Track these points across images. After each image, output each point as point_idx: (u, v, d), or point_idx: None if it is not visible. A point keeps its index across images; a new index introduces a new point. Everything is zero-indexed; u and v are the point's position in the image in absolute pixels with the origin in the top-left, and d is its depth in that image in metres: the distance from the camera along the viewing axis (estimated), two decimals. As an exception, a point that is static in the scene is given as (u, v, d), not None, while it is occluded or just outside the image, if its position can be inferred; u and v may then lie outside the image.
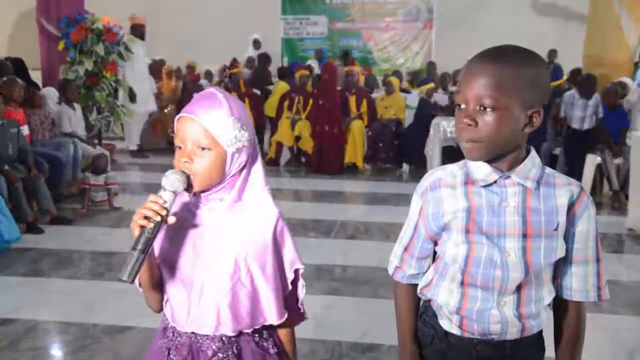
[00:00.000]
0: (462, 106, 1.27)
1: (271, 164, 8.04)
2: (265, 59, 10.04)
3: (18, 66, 6.63)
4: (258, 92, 8.95)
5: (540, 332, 1.41)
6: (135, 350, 2.95)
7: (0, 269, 4.17)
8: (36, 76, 7.16)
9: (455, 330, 1.40)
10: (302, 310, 1.48)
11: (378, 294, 3.68)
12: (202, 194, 1.34)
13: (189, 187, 1.29)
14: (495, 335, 1.36)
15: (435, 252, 1.44)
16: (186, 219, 1.35)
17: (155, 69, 9.42)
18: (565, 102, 6.52)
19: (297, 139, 7.90)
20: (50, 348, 3.15)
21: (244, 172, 1.36)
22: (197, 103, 1.31)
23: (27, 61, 7.12)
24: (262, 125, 8.69)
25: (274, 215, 1.37)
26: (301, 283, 1.45)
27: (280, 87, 8.71)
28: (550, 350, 1.45)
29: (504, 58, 1.24)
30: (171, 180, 1.26)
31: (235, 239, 1.34)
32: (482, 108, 1.23)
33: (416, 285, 1.48)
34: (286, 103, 8.12)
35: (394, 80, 8.17)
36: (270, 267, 1.36)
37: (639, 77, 8.21)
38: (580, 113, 6.40)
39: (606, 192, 6.29)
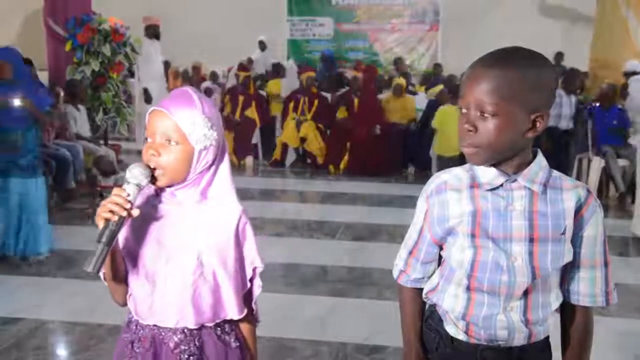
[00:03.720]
0: (464, 110, 1.26)
1: (277, 165, 8.05)
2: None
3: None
4: (264, 93, 9.00)
5: (547, 337, 1.40)
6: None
7: (7, 268, 4.18)
8: (43, 77, 7.19)
9: (461, 336, 1.38)
10: (255, 311, 1.50)
11: (383, 295, 3.67)
12: (168, 189, 1.37)
13: (153, 181, 1.31)
14: (502, 341, 1.35)
15: (440, 257, 1.43)
16: (151, 214, 1.37)
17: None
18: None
19: (303, 140, 7.91)
20: (55, 348, 3.16)
21: (211, 170, 1.38)
22: (171, 99, 1.35)
23: (34, 62, 7.14)
24: (269, 125, 8.72)
25: (238, 210, 1.40)
26: (257, 282, 1.46)
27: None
28: (557, 354, 1.44)
29: (507, 61, 1.22)
30: (135, 174, 1.28)
31: (198, 234, 1.36)
32: (482, 114, 1.22)
33: (421, 289, 1.47)
34: (291, 104, 8.13)
35: (401, 82, 8.16)
36: (232, 263, 1.39)
37: None
38: (569, 111, 6.30)
39: (613, 194, 6.26)
